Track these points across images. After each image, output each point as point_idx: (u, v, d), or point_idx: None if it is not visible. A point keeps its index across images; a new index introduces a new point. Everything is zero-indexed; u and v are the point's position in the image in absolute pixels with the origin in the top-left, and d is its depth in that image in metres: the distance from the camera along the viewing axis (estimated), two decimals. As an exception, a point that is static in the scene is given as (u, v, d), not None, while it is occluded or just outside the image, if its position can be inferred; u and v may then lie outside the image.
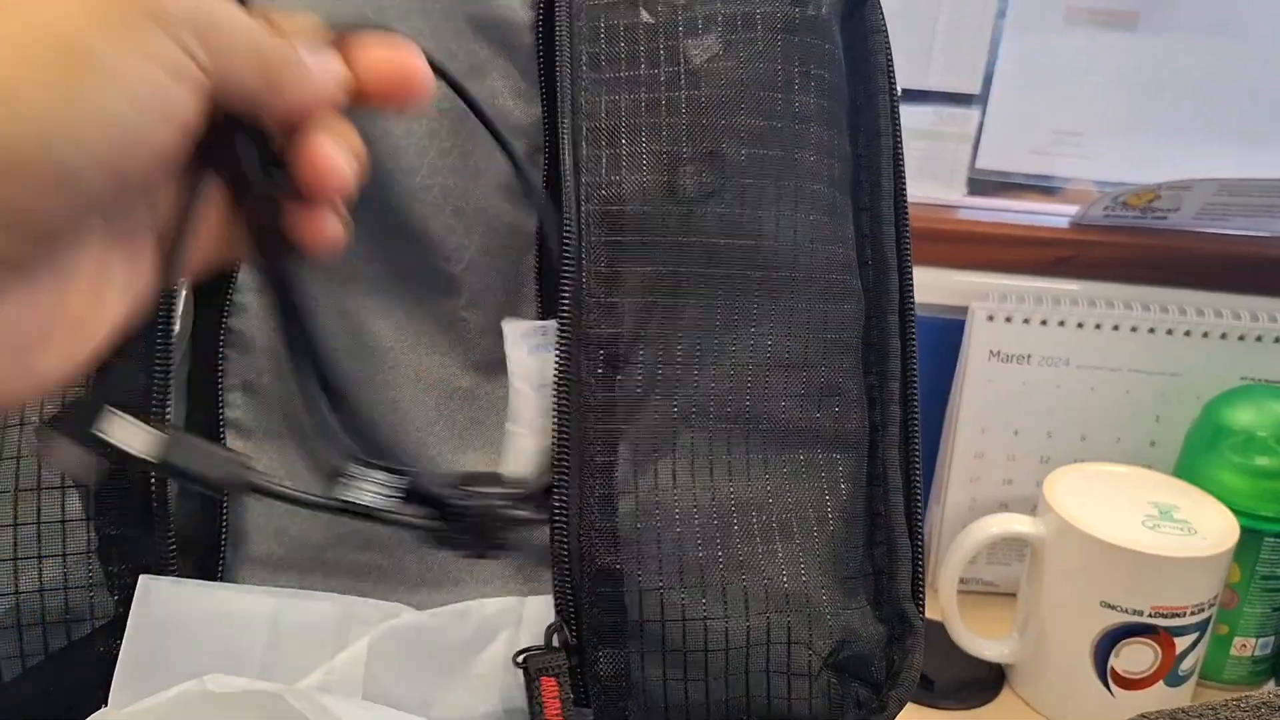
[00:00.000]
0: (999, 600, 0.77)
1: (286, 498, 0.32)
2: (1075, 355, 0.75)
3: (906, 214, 0.47)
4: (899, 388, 0.46)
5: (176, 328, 0.40)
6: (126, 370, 0.39)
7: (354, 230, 0.45)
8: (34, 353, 0.25)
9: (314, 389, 0.34)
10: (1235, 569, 0.67)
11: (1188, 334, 0.74)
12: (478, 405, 0.47)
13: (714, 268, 0.43)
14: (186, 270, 0.30)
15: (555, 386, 0.43)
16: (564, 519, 0.42)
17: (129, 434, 0.28)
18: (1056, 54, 0.80)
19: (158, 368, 0.40)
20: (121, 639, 0.39)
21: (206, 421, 0.45)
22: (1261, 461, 0.67)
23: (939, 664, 0.69)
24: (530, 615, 0.44)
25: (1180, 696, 0.66)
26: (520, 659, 0.42)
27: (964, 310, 0.75)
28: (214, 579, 0.43)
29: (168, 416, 0.40)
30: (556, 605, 0.42)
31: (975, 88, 0.81)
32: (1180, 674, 0.64)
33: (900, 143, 0.46)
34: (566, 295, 0.43)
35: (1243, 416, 0.69)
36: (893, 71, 0.46)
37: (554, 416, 0.43)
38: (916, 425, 0.46)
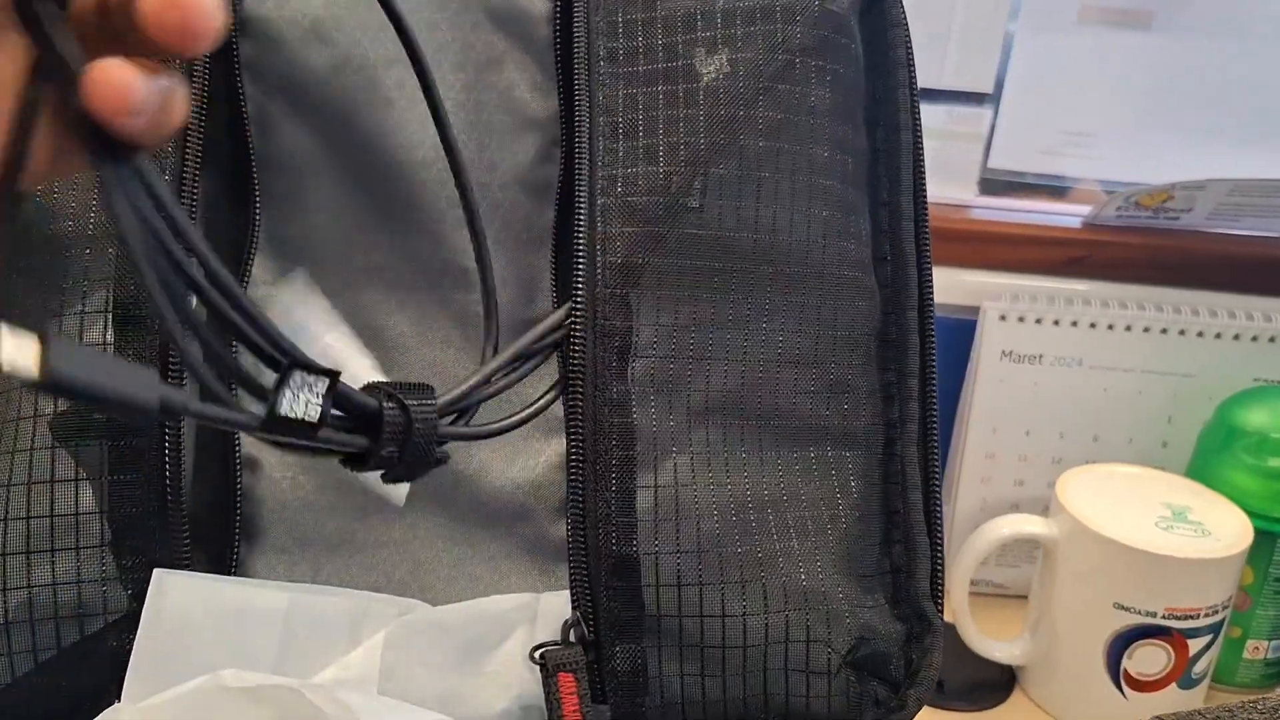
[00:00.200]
0: (1009, 602, 0.77)
1: (205, 416, 0.28)
2: (1088, 356, 0.74)
3: (926, 209, 0.46)
4: (918, 384, 0.46)
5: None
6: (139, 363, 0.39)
7: (370, 223, 0.46)
8: None
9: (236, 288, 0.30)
10: (1248, 571, 0.66)
11: (1200, 335, 0.74)
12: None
13: (727, 262, 0.43)
14: (28, 175, 0.28)
15: (569, 378, 0.43)
16: (580, 513, 0.42)
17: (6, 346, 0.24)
18: (1069, 54, 0.80)
19: (173, 363, 0.39)
20: (135, 633, 0.38)
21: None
22: (1275, 463, 0.66)
23: (949, 665, 0.68)
24: (546, 610, 0.44)
25: (1193, 699, 0.65)
26: (538, 655, 0.41)
27: (976, 310, 0.75)
28: (228, 572, 0.43)
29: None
30: (573, 600, 0.42)
31: (988, 87, 0.81)
32: (1193, 676, 0.64)
33: (920, 137, 0.46)
34: (581, 287, 0.43)
35: (1256, 418, 0.68)
36: (913, 65, 0.46)
37: (568, 408, 0.43)
38: (935, 422, 0.46)
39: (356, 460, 0.34)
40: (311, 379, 0.30)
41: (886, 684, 0.43)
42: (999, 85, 0.81)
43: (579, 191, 0.43)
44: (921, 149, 0.46)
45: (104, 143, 0.26)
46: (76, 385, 0.24)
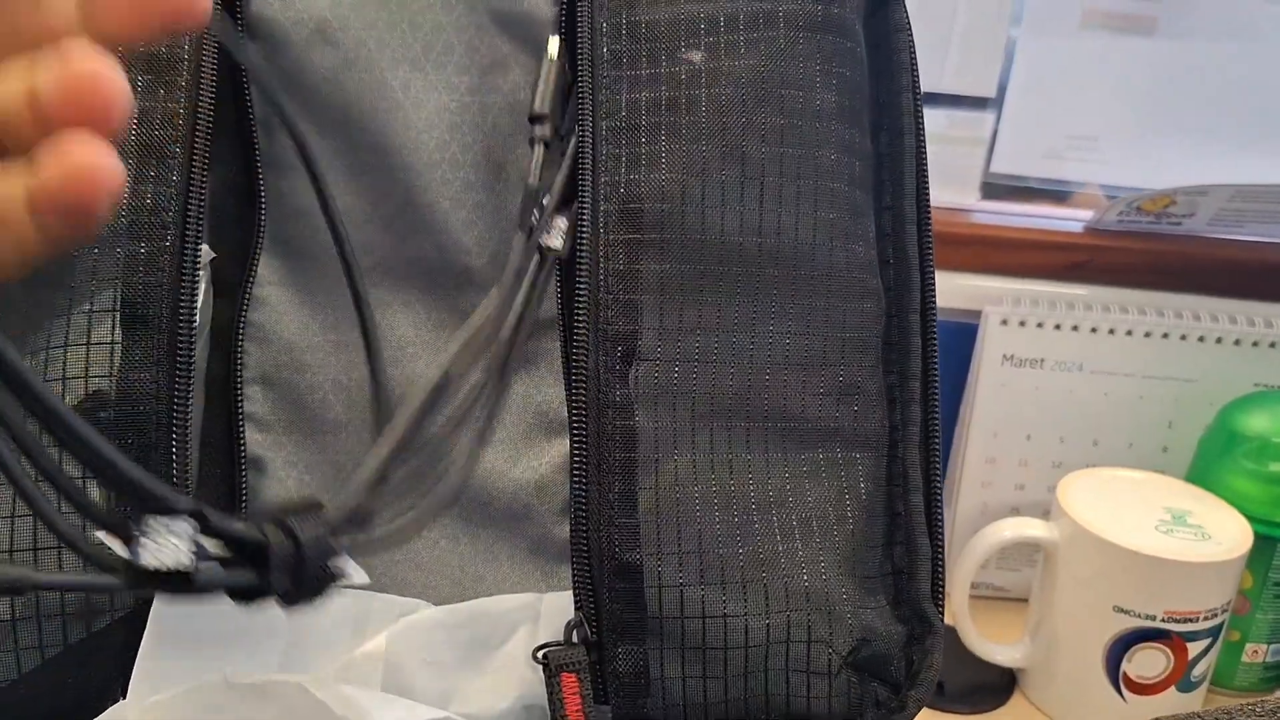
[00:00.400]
0: (1010, 605, 0.77)
1: (54, 586, 0.27)
2: (1089, 360, 0.75)
3: (929, 212, 0.47)
4: (919, 387, 0.46)
5: (197, 320, 0.40)
6: (148, 365, 0.39)
7: (375, 224, 0.46)
8: None
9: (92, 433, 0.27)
10: (1248, 575, 0.67)
11: (1201, 340, 0.74)
12: (495, 401, 0.47)
13: (732, 265, 0.43)
14: None
15: (572, 382, 0.43)
16: (584, 515, 0.42)
17: None
18: (1072, 58, 0.80)
19: (180, 362, 0.40)
20: (141, 631, 0.38)
21: (225, 415, 0.45)
22: (1275, 468, 0.67)
23: (950, 668, 0.69)
24: (548, 611, 0.44)
25: (1192, 702, 0.65)
26: (540, 655, 0.41)
27: (978, 314, 0.75)
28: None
29: (189, 412, 0.40)
30: (576, 601, 0.42)
31: (990, 91, 0.81)
32: (1192, 679, 0.64)
33: (923, 141, 0.46)
34: (583, 292, 0.43)
35: (1256, 423, 0.68)
36: (916, 69, 0.46)
37: (571, 411, 0.43)
38: (937, 425, 0.46)
39: (246, 595, 0.31)
40: (175, 521, 0.28)
41: (887, 685, 0.44)
42: (1001, 89, 0.81)
43: (582, 196, 0.43)
44: (925, 153, 0.47)
45: None
46: None
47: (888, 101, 0.47)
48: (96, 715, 0.37)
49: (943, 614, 0.45)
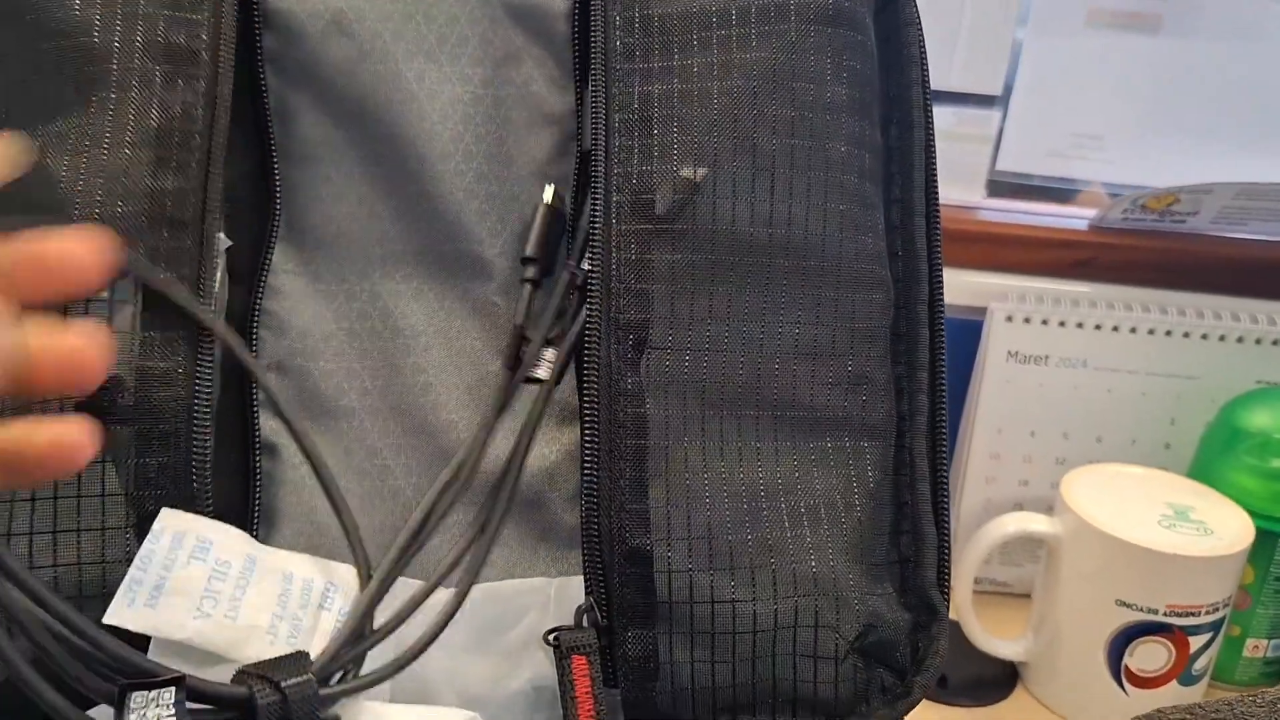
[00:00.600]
0: (1013, 600, 0.78)
1: None
2: (1093, 357, 0.75)
3: (938, 206, 0.47)
4: (927, 378, 0.46)
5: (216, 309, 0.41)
6: (169, 353, 0.40)
7: (389, 214, 0.46)
8: None
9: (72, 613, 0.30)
10: (1249, 570, 0.67)
11: (1205, 337, 0.74)
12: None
13: (743, 256, 0.43)
14: None
15: (584, 371, 0.44)
16: (595, 501, 0.43)
17: None
18: (1078, 57, 0.81)
19: (202, 351, 0.40)
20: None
21: (239, 402, 0.45)
22: (1276, 464, 0.67)
23: (953, 661, 0.69)
24: (560, 595, 0.45)
25: (1193, 696, 0.66)
26: (552, 637, 0.42)
27: (983, 311, 0.76)
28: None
29: (211, 400, 0.40)
30: (587, 585, 0.43)
31: (996, 90, 0.81)
32: (1194, 673, 0.64)
33: (933, 135, 0.47)
34: (596, 282, 0.43)
35: (1259, 419, 0.69)
36: (925, 64, 0.47)
37: (584, 400, 0.43)
38: (944, 415, 0.46)
39: None
40: (155, 693, 0.29)
41: (893, 671, 0.44)
42: (1007, 88, 0.82)
43: (595, 187, 0.44)
44: (934, 147, 0.47)
45: None
46: None
47: (897, 95, 0.47)
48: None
49: (949, 602, 0.45)
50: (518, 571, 0.45)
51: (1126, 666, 0.64)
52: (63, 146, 0.39)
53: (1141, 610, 0.62)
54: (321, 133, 0.46)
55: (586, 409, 0.43)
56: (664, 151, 0.43)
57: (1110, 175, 0.84)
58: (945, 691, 0.68)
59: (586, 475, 0.43)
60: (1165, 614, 0.62)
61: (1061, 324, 0.74)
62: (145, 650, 0.36)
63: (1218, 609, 0.63)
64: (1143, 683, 0.64)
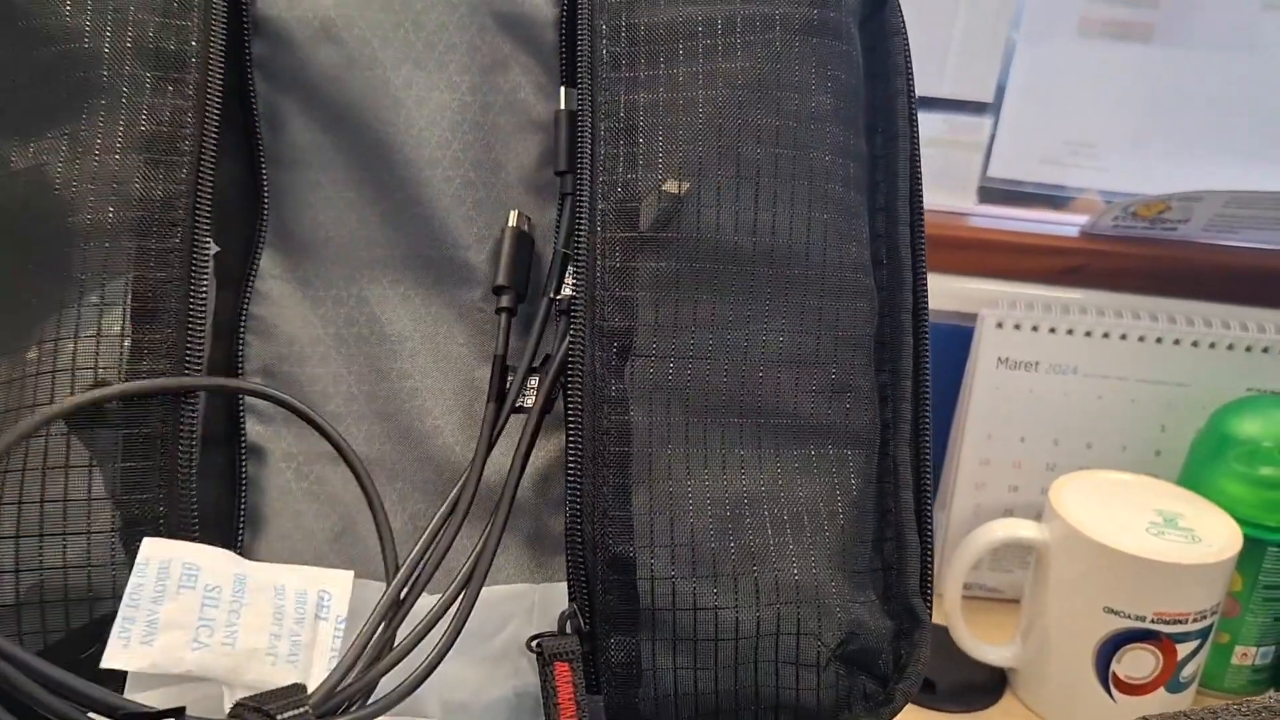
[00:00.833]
0: (1002, 606, 0.78)
1: None
2: (1083, 364, 0.75)
3: (922, 214, 0.47)
4: (911, 385, 0.46)
5: (205, 315, 0.41)
6: (157, 358, 0.40)
7: (376, 220, 0.47)
8: None
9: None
10: (1237, 578, 0.67)
11: (1195, 344, 0.74)
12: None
13: (728, 264, 0.44)
14: None
15: (568, 378, 0.44)
16: (578, 508, 0.43)
17: None
18: (1070, 64, 0.81)
19: (189, 356, 0.40)
20: None
21: (226, 406, 0.46)
22: (1266, 472, 0.67)
23: (941, 667, 0.70)
24: (543, 602, 0.45)
25: (1181, 703, 0.66)
26: (535, 644, 0.42)
27: (973, 317, 0.76)
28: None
29: (197, 404, 0.40)
30: (570, 592, 0.43)
31: (988, 96, 0.82)
32: (1181, 680, 0.64)
33: (918, 144, 0.47)
34: (580, 289, 0.43)
35: (1248, 427, 0.69)
36: (911, 73, 0.47)
37: (568, 407, 0.44)
38: (928, 423, 0.46)
39: None
40: None
41: (875, 678, 0.44)
42: (999, 94, 0.82)
43: (580, 195, 0.44)
44: (919, 156, 0.47)
45: None
46: None
47: (882, 104, 0.47)
48: None
49: (931, 609, 0.46)
50: (501, 578, 0.46)
51: (1114, 673, 0.64)
52: (55, 152, 0.40)
53: (1129, 617, 0.62)
54: (310, 138, 0.46)
55: (570, 416, 0.43)
56: (649, 160, 0.44)
57: (1102, 183, 0.84)
58: (933, 697, 0.68)
59: (570, 482, 0.43)
60: (1153, 621, 0.62)
61: (1052, 330, 0.75)
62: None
63: (1206, 616, 0.63)
64: (1130, 690, 0.64)
